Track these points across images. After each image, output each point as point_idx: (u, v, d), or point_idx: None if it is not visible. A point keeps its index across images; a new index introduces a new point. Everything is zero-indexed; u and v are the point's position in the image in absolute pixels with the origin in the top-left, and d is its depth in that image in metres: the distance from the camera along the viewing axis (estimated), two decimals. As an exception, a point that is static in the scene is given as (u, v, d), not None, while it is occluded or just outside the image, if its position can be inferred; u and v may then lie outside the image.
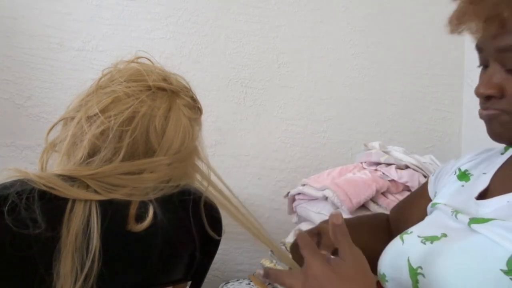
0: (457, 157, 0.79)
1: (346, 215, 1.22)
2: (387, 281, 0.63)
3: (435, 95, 1.82)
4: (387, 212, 1.23)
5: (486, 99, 0.60)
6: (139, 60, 0.70)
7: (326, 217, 1.23)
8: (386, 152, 1.41)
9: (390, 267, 0.64)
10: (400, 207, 0.88)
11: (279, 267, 1.33)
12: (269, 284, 1.33)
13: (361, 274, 0.52)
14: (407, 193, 1.31)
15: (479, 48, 0.62)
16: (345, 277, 0.51)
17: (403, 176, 1.31)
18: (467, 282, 0.51)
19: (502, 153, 0.70)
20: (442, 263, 0.55)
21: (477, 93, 0.60)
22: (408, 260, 0.59)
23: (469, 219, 0.57)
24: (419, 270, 0.57)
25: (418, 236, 0.63)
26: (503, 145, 0.70)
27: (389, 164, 1.37)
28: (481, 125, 0.64)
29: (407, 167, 1.36)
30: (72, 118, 0.64)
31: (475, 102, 0.64)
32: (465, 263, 0.53)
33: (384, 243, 0.68)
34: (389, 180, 1.31)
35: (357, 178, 1.31)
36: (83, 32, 1.44)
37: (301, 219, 1.42)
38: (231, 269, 1.60)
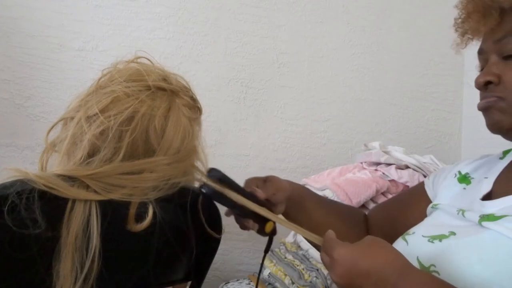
0: (457, 158, 0.80)
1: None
2: None
3: (435, 95, 1.82)
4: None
5: (484, 87, 0.63)
6: (139, 60, 0.70)
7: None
8: (386, 152, 1.41)
9: None
10: (394, 208, 0.86)
11: (279, 267, 1.33)
12: (269, 284, 1.33)
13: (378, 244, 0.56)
14: (407, 193, 1.31)
15: (481, 50, 0.65)
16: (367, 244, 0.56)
17: (403, 176, 1.31)
18: (481, 274, 0.52)
19: (501, 158, 0.72)
20: (455, 258, 0.56)
21: (477, 82, 0.64)
22: (418, 259, 0.60)
23: (479, 216, 0.59)
24: (432, 268, 0.57)
25: (423, 236, 0.63)
26: (500, 150, 0.73)
27: (389, 164, 1.37)
28: (481, 125, 0.65)
29: (407, 167, 1.36)
30: (72, 118, 0.64)
31: (475, 102, 0.65)
32: (477, 256, 0.54)
33: (358, 237, 0.69)
34: (389, 180, 1.31)
35: (357, 178, 1.30)
36: (83, 32, 1.44)
37: (301, 219, 1.42)
38: (231, 269, 1.60)
